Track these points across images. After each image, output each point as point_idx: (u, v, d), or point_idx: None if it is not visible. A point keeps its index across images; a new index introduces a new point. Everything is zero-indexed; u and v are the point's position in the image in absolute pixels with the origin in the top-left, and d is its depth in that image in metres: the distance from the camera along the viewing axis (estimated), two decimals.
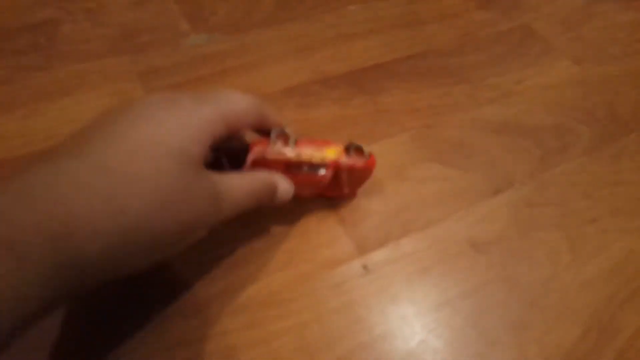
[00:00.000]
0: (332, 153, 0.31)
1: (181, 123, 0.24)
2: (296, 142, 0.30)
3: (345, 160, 0.31)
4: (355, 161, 0.31)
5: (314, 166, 0.30)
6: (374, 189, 0.36)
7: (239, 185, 0.27)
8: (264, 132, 0.30)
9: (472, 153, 0.38)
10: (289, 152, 0.29)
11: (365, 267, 0.32)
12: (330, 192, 0.34)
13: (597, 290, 0.32)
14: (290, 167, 0.30)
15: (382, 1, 0.48)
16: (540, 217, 0.35)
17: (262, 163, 0.29)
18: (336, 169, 0.31)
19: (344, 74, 0.42)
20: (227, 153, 0.30)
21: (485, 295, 0.31)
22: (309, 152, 0.30)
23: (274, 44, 0.43)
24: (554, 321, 0.31)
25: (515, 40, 0.48)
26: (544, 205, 0.36)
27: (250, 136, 0.30)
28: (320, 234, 0.33)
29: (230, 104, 0.26)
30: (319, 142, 0.31)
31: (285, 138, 0.30)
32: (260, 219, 0.34)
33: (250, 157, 0.29)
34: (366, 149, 0.31)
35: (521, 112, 0.42)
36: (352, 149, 0.31)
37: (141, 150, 0.22)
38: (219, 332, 0.29)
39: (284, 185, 0.30)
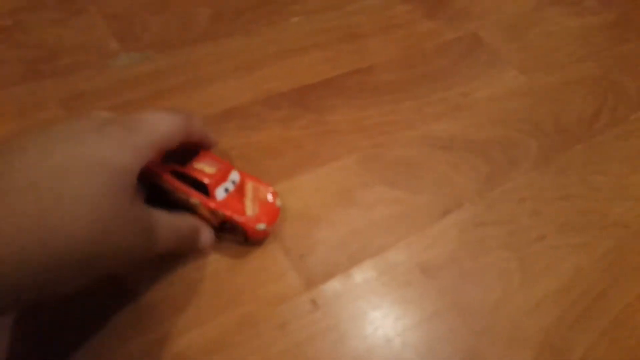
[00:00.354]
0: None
1: (114, 148, 0.23)
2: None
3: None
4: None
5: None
6: (321, 216, 0.34)
7: (171, 225, 0.27)
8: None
9: (421, 173, 0.38)
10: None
11: (313, 302, 0.31)
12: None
13: (547, 312, 0.32)
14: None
15: (325, 13, 0.46)
16: (489, 238, 0.35)
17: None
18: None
19: (287, 92, 0.40)
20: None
21: (436, 325, 0.31)
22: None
23: (211, 61, 0.41)
24: (506, 348, 0.30)
25: (461, 50, 0.47)
26: (493, 225, 0.36)
27: None
28: (265, 269, 0.32)
29: (157, 130, 0.26)
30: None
31: None
32: (199, 257, 0.32)
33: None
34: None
35: (469, 126, 0.41)
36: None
37: (74, 168, 0.21)
38: None
39: (207, 233, 0.31)
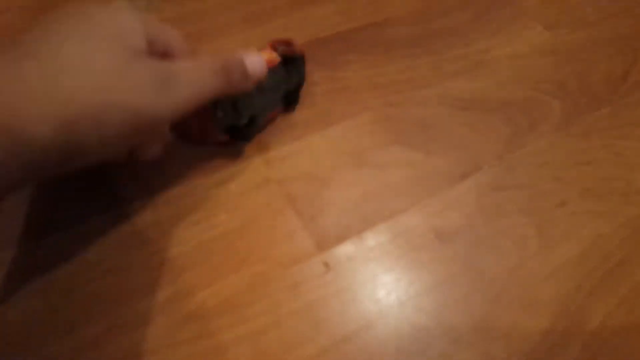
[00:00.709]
0: (264, 56, 0.30)
1: (112, 14, 0.23)
2: None
3: (275, 56, 0.32)
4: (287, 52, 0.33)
5: None
6: (333, 177, 0.33)
7: (196, 66, 0.26)
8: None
9: (438, 134, 0.36)
10: None
11: (326, 264, 0.30)
12: None
13: (564, 279, 0.31)
14: None
15: None
16: (507, 202, 0.34)
17: None
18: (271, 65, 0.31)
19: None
20: None
21: (450, 290, 0.30)
22: None
23: (219, 12, 0.39)
24: (520, 314, 0.30)
25: (483, 2, 0.44)
26: (512, 189, 0.34)
27: None
28: (276, 229, 0.31)
29: (152, 19, 0.26)
30: None
31: None
32: (211, 216, 0.31)
33: None
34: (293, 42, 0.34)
35: (489, 85, 0.39)
36: (279, 48, 0.33)
37: (69, 38, 0.22)
38: (165, 344, 0.27)
39: (253, 58, 0.28)
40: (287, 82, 0.34)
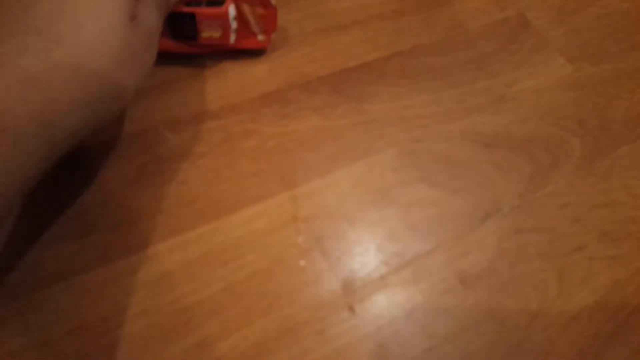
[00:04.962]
0: None
1: None
2: None
3: None
4: None
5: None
6: (359, 215, 0.33)
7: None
8: None
9: (462, 172, 0.36)
10: None
11: (351, 308, 0.30)
12: (244, 41, 0.36)
13: (582, 327, 0.32)
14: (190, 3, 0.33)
15: None
16: (528, 246, 0.34)
17: None
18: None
19: (325, 76, 0.38)
20: None
21: (473, 338, 0.30)
22: None
23: None
24: None
25: (507, 33, 0.44)
26: (533, 232, 0.35)
27: None
28: (303, 270, 0.31)
29: None
30: None
31: None
32: (239, 255, 0.31)
33: None
34: None
35: (513, 121, 0.39)
36: None
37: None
38: None
39: None
40: None
